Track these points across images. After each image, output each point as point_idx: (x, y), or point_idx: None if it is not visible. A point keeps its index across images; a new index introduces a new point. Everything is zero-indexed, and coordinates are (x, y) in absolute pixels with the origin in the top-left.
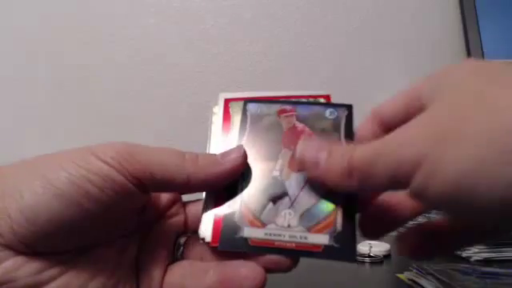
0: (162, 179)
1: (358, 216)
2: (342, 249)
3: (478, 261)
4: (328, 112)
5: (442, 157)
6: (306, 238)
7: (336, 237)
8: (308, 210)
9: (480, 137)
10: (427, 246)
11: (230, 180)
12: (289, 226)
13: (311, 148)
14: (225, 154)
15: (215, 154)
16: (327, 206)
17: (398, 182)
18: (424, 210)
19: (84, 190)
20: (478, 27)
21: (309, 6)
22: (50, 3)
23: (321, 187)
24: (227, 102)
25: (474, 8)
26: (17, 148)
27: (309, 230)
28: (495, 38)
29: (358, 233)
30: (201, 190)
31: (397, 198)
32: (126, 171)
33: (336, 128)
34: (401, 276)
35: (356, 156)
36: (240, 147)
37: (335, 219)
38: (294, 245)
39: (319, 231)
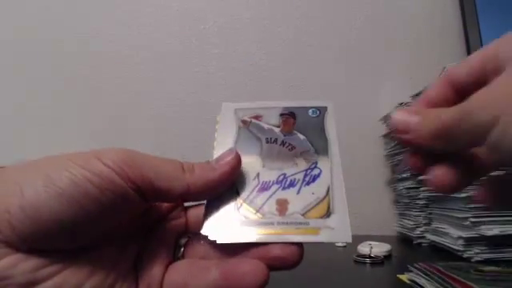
0: (160, 189)
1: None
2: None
3: (478, 261)
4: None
5: None
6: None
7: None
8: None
9: None
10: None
11: (229, 183)
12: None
13: (404, 113)
14: (218, 159)
15: (209, 161)
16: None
17: (478, 140)
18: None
19: (84, 190)
20: (478, 26)
21: (309, 5)
22: (50, 3)
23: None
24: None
25: (474, 7)
26: (17, 148)
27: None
28: (495, 37)
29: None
30: (201, 199)
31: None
32: (126, 176)
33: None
34: (401, 276)
35: (443, 118)
36: (232, 149)
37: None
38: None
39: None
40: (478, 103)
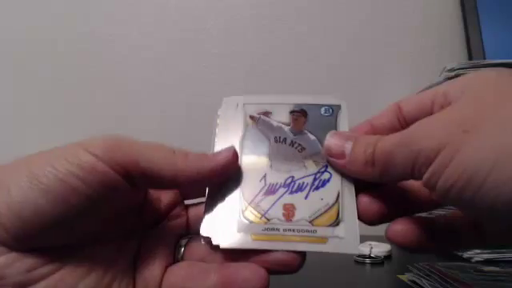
0: (149, 171)
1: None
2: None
3: (479, 262)
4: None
5: (460, 147)
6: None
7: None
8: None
9: (500, 128)
10: (421, 236)
11: (219, 178)
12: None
13: (338, 138)
14: (215, 154)
15: (206, 153)
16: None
17: (416, 171)
18: (434, 205)
19: (70, 185)
20: (480, 28)
21: (309, 5)
22: (50, 3)
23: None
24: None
25: (475, 8)
26: (17, 148)
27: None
28: (496, 39)
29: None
30: (193, 187)
31: (411, 187)
32: (113, 161)
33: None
34: (401, 277)
35: (379, 146)
36: (231, 147)
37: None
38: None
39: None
40: (420, 132)
